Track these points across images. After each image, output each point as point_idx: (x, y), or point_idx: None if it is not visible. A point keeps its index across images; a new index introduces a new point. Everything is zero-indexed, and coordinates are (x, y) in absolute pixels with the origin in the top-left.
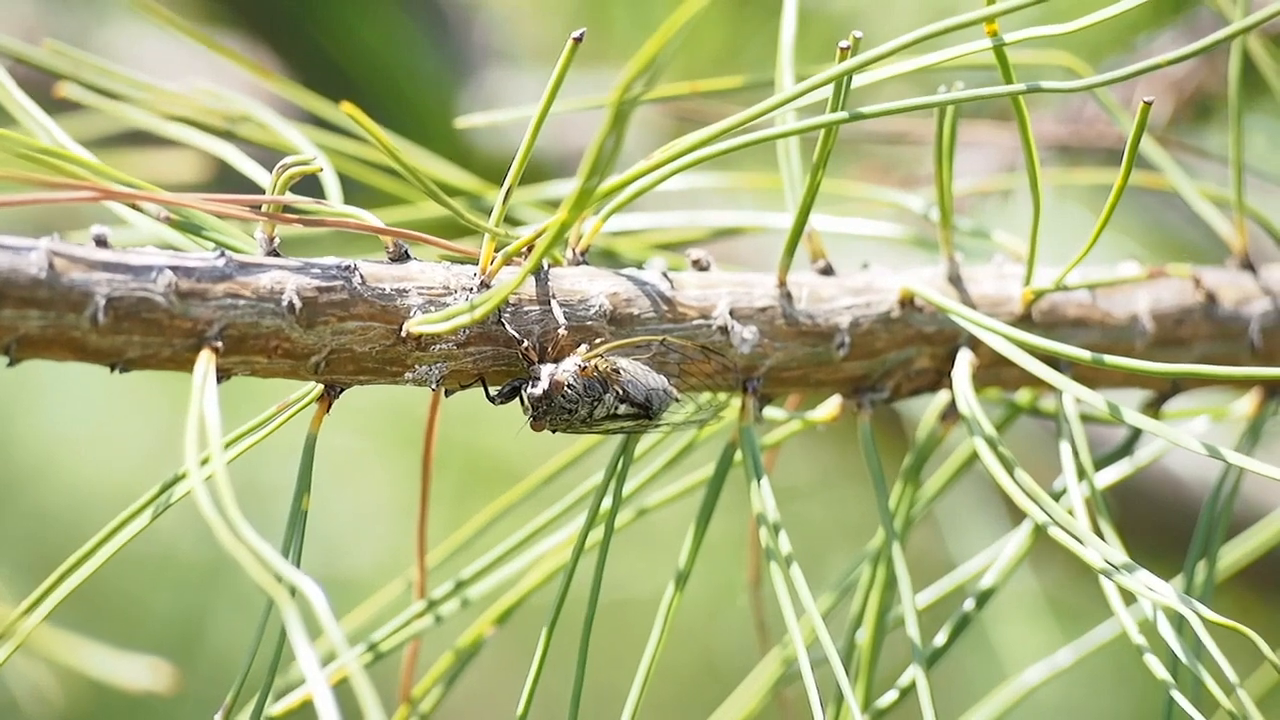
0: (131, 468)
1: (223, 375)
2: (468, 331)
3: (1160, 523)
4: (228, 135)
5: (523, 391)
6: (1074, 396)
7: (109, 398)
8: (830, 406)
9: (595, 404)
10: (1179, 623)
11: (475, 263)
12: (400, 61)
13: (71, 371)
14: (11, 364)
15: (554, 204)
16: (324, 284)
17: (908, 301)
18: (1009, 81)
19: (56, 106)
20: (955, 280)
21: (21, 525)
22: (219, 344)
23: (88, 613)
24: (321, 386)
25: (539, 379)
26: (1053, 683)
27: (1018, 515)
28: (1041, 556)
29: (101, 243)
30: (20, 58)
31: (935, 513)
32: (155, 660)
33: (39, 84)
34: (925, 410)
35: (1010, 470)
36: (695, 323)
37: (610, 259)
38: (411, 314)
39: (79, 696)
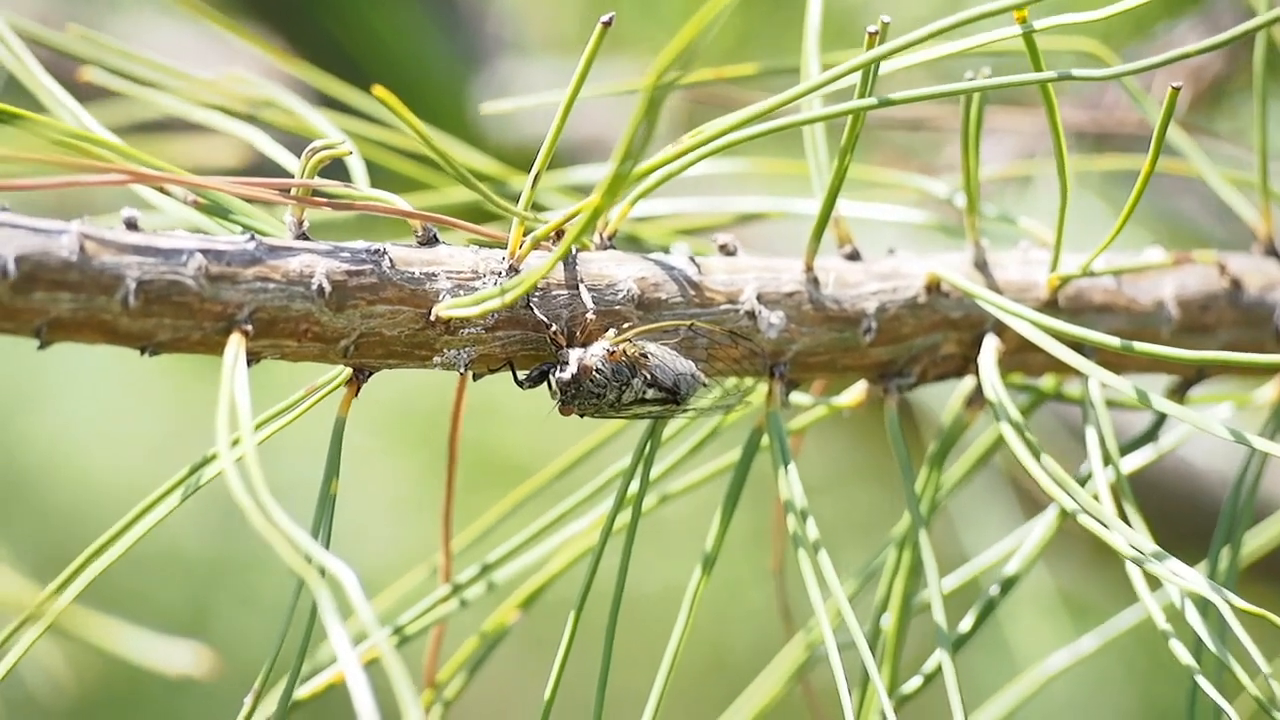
0: (138, 464)
1: (252, 359)
2: (496, 316)
3: (1175, 513)
4: (252, 120)
5: (551, 376)
6: (1100, 382)
7: (116, 395)
8: (856, 392)
9: (623, 388)
10: (1204, 609)
11: (503, 247)
12: (412, 52)
13: (78, 368)
14: (42, 346)
15: (577, 189)
16: (353, 268)
17: (934, 287)
18: (1038, 69)
19: (80, 92)
20: (981, 266)
21: (30, 521)
22: (249, 327)
23: (92, 607)
24: (350, 370)
25: (567, 363)
26: (1060, 678)
27: (1030, 507)
28: (1053, 549)
29: (132, 226)
30: (45, 42)
31: (948, 506)
32: (196, 645)
33: (62, 70)
34: (941, 402)
35: (1037, 456)
36: (723, 307)
37: (634, 244)
38: (440, 298)
39: (87, 687)
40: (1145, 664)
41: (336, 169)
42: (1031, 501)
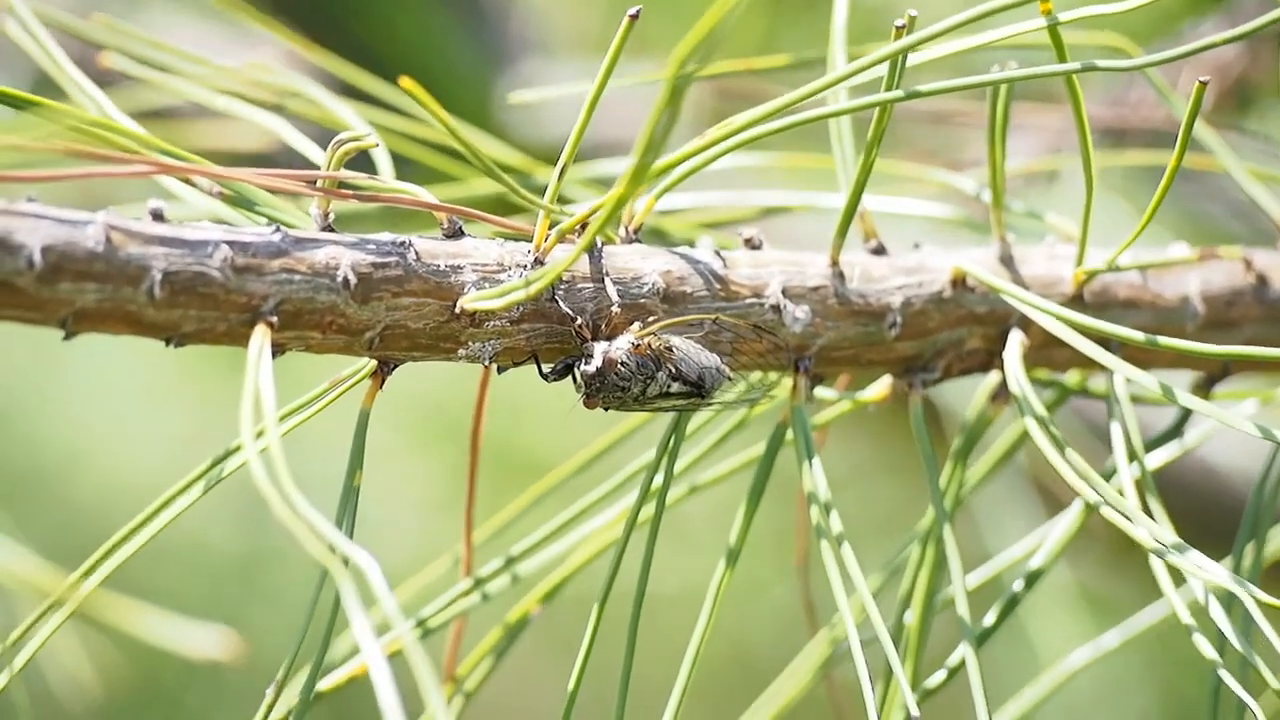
0: (160, 461)
1: (277, 350)
2: (521, 308)
3: (1197, 510)
4: (277, 110)
5: (576, 369)
6: (1125, 377)
7: (138, 392)
8: (881, 386)
9: (648, 382)
10: (1228, 604)
11: (529, 240)
12: (437, 52)
13: (100, 365)
14: (67, 337)
15: (602, 182)
16: (379, 260)
17: (959, 281)
18: (1063, 61)
19: (105, 85)
20: (1007, 261)
21: (51, 517)
22: (274, 319)
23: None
24: (375, 363)
25: (592, 356)
26: (1082, 674)
27: (1054, 507)
28: (1074, 547)
29: (158, 217)
30: (71, 31)
31: (971, 503)
32: (222, 628)
33: (88, 63)
34: (964, 398)
35: (1062, 450)
36: (748, 301)
37: (659, 238)
38: (465, 290)
39: (107, 681)
40: (1167, 660)
41: (361, 161)
42: (1055, 501)
